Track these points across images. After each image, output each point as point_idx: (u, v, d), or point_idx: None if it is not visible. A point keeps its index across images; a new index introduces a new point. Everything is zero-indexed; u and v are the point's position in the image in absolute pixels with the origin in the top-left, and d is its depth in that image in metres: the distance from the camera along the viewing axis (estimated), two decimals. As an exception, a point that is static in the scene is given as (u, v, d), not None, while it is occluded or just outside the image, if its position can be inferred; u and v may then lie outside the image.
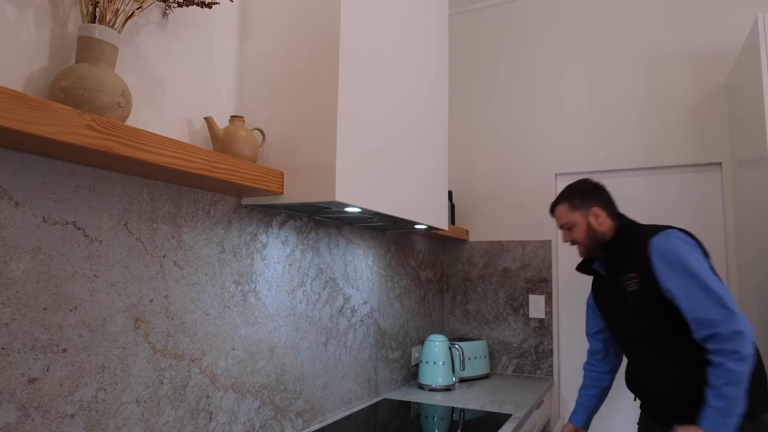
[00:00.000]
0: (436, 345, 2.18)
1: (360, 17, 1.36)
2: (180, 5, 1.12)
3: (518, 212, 2.66)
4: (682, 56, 2.41)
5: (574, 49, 2.63)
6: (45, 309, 0.90)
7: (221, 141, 1.20)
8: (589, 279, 2.50)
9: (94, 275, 0.99)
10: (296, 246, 1.57)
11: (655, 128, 2.42)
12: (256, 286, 1.40)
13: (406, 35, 1.66)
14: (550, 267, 2.55)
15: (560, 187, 2.61)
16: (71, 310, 0.95)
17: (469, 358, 2.40)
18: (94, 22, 0.93)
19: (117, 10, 0.97)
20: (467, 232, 2.71)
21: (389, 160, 1.51)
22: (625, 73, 2.51)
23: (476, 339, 2.49)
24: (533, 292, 2.57)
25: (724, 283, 2.26)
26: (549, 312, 2.52)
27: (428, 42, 1.84)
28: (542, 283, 2.56)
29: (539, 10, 2.74)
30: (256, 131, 1.34)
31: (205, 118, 1.21)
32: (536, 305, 2.55)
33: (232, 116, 1.24)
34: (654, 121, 2.43)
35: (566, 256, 2.57)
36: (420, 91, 1.75)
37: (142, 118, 1.12)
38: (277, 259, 1.48)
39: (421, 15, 1.79)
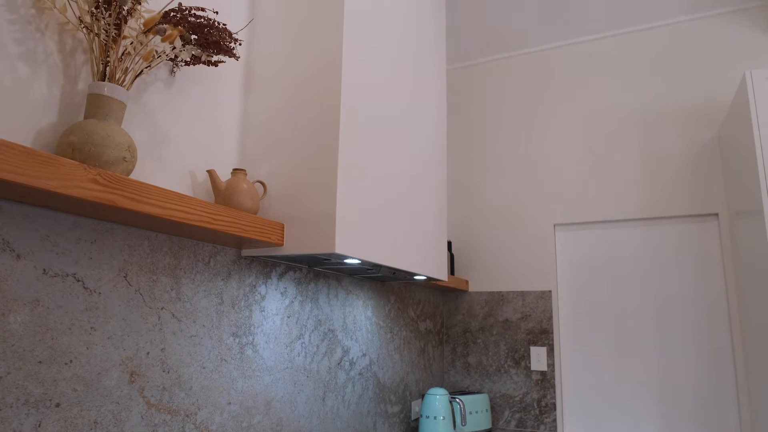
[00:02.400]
0: (437, 399, 2.13)
1: (361, 74, 1.41)
2: (187, 64, 1.16)
3: (518, 262, 2.66)
4: (675, 110, 2.47)
5: (570, 102, 2.70)
6: (40, 362, 0.89)
7: (223, 193, 1.22)
8: (592, 332, 2.47)
9: (92, 327, 0.98)
10: (295, 297, 1.56)
11: (651, 179, 2.46)
12: (254, 339, 1.38)
13: (406, 90, 1.71)
14: (551, 318, 2.53)
15: (559, 238, 2.63)
16: (66, 364, 0.93)
17: (471, 413, 2.34)
18: (104, 80, 0.96)
19: (126, 68, 1.00)
20: (467, 282, 2.70)
21: (389, 211, 1.52)
22: (620, 126, 2.57)
23: (477, 392, 2.44)
24: (535, 343, 2.54)
25: (727, 335, 2.24)
26: (551, 364, 2.48)
27: (427, 96, 1.90)
28: (543, 335, 2.52)
29: (534, 66, 2.83)
30: (258, 183, 1.36)
31: (208, 171, 1.23)
32: (538, 357, 2.51)
33: (235, 169, 1.26)
34: (650, 172, 2.47)
35: (567, 307, 2.55)
36: (419, 143, 1.79)
37: (147, 171, 1.14)
38: (275, 311, 1.47)
39: (421, 70, 1.85)
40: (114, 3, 0.95)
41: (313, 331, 1.63)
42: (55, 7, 0.96)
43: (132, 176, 1.10)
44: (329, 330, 1.71)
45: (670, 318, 2.35)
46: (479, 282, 2.72)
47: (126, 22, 0.98)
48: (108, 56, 0.96)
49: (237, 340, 1.32)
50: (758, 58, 2.37)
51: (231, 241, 1.24)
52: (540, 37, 2.76)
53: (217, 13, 1.20)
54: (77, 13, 1.00)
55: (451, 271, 2.63)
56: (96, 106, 0.94)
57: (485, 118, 2.90)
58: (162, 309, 1.13)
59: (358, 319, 1.90)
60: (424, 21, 1.91)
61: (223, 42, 1.14)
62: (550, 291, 2.55)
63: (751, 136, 1.84)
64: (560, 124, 2.71)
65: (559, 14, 2.58)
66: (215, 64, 1.19)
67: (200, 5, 1.31)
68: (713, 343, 2.26)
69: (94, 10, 0.95)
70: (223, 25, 1.15)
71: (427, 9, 1.95)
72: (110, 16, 0.95)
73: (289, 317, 1.53)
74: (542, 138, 2.73)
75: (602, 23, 2.63)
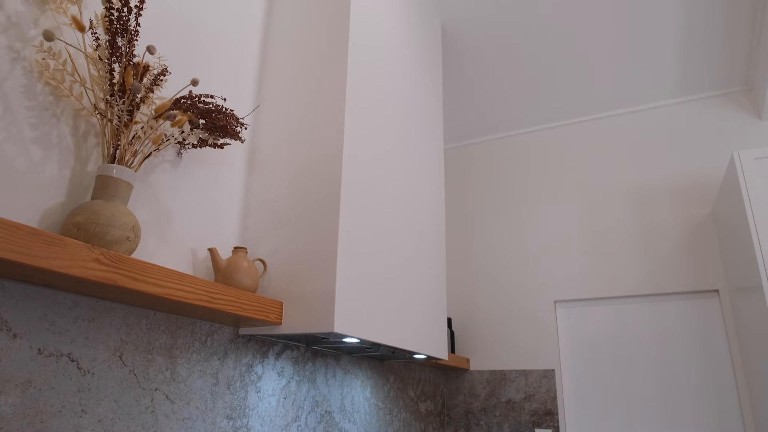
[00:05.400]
0: (438, 487, 2.02)
1: (362, 158, 1.46)
2: (194, 146, 1.21)
3: (519, 339, 2.61)
4: (669, 188, 2.53)
5: (567, 181, 2.77)
6: (27, 448, 0.86)
7: (223, 272, 1.23)
8: (598, 412, 2.39)
9: (82, 410, 0.96)
10: (292, 377, 1.52)
11: (650, 256, 2.47)
12: (248, 421, 1.34)
13: (405, 171, 1.76)
14: (555, 398, 2.45)
15: (560, 314, 2.60)
16: (54, 449, 0.90)
17: (474, 503, 2.21)
18: (114, 162, 1.00)
19: (136, 151, 1.04)
20: (468, 360, 2.64)
21: (388, 290, 1.52)
22: (616, 203, 2.62)
23: (481, 480, 2.32)
24: (539, 425, 2.44)
25: (737, 412, 2.16)
26: (557, 449, 2.38)
27: (426, 177, 1.95)
28: (548, 416, 2.44)
29: (530, 146, 2.92)
30: (258, 261, 1.37)
31: (209, 249, 1.25)
32: (543, 441, 2.41)
33: (236, 247, 1.28)
34: (648, 249, 2.49)
35: (571, 387, 2.47)
36: (418, 222, 1.81)
37: (149, 249, 1.15)
38: (271, 392, 1.43)
39: (419, 152, 1.91)
40: (128, 91, 1.01)
41: (309, 413, 1.58)
42: (72, 95, 1.01)
43: (135, 254, 1.11)
44: (326, 412, 1.66)
45: (676, 395, 2.28)
46: (480, 360, 2.66)
47: (138, 109, 1.03)
48: (119, 140, 1.00)
49: (231, 423, 1.28)
50: (745, 138, 2.45)
51: (229, 320, 1.23)
52: (536, 118, 2.88)
53: (225, 99, 1.26)
54: (92, 100, 1.05)
55: (452, 349, 2.58)
56: (104, 187, 0.97)
57: (482, 197, 2.96)
58: (156, 390, 1.10)
59: (357, 399, 1.84)
60: (422, 104, 2.00)
61: (230, 126, 1.19)
62: (553, 370, 2.49)
63: (744, 215, 1.87)
64: (558, 201, 2.76)
65: (555, 96, 2.70)
66: (221, 146, 1.24)
67: (210, 92, 1.38)
68: (722, 420, 2.18)
69: (109, 98, 1.00)
70: (231, 110, 1.21)
71: (426, 93, 2.05)
72: (124, 103, 1.00)
73: (285, 398, 1.48)
74: (540, 215, 2.77)
75: (595, 105, 2.74)
